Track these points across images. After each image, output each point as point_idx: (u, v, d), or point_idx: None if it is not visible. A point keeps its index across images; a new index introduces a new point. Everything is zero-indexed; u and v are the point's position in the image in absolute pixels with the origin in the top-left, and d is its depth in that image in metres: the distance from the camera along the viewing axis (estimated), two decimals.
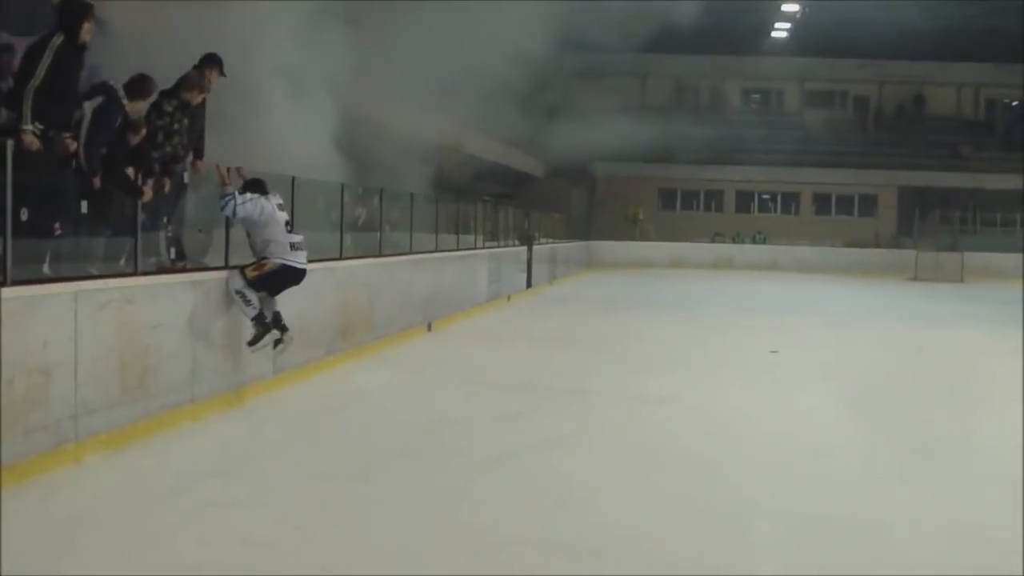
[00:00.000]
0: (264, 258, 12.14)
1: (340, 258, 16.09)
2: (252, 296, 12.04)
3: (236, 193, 11.90)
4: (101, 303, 9.69)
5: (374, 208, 18.90)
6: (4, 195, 8.63)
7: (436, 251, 22.30)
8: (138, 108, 11.17)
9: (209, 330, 11.73)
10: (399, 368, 15.95)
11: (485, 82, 31.36)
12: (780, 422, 12.66)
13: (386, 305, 18.04)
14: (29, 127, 9.49)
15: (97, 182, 10.31)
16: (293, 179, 13.88)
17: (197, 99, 12.16)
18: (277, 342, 12.44)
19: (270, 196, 12.26)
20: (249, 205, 11.92)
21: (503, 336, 21.59)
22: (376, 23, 22.99)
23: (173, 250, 11.76)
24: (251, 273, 12.06)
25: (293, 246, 12.30)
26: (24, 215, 8.89)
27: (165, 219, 11.76)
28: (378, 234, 18.56)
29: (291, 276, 12.42)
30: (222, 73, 12.65)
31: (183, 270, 11.68)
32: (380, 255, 18.35)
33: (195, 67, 12.40)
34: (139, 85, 11.16)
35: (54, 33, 9.92)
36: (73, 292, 9.31)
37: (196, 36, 15.80)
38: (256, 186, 12.25)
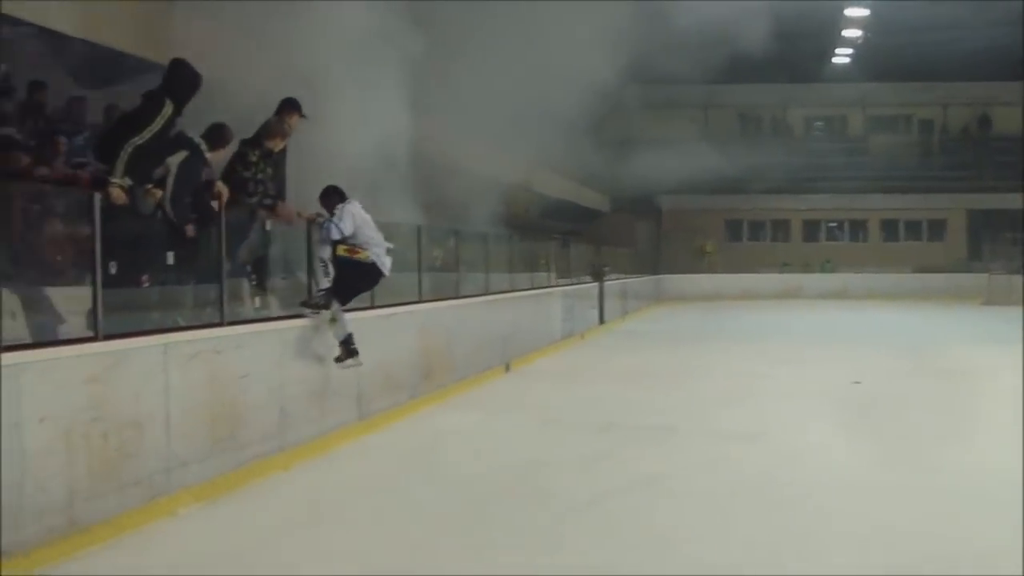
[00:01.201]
0: (360, 248, 12.21)
1: (420, 301, 16.04)
2: (327, 268, 12.02)
3: (329, 217, 12.00)
4: (190, 354, 9.65)
5: (449, 248, 18.86)
6: (93, 248, 8.61)
7: (511, 291, 22.21)
8: (219, 157, 11.15)
9: (295, 378, 11.65)
10: (482, 409, 15.83)
11: (550, 117, 31.23)
12: (879, 458, 12.29)
13: (465, 346, 17.98)
14: (118, 181, 9.46)
15: (190, 230, 10.30)
16: None
17: (279, 146, 12.16)
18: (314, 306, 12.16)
19: (351, 201, 12.32)
20: (348, 218, 12.02)
21: (581, 374, 21.38)
22: (441, 59, 22.91)
23: (258, 299, 11.72)
24: (343, 250, 12.08)
25: (388, 251, 12.47)
26: (112, 268, 8.86)
27: (249, 268, 11.71)
28: (455, 275, 18.51)
29: (374, 277, 12.57)
30: (302, 115, 12.64)
31: (268, 319, 11.63)
32: (458, 296, 18.28)
33: (275, 113, 12.39)
34: (218, 134, 11.13)
35: (163, 99, 9.92)
36: (163, 344, 9.27)
37: (264, 72, 15.88)
38: (337, 194, 12.34)
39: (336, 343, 12.29)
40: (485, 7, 25.18)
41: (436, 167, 25.35)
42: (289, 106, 12.59)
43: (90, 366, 8.25)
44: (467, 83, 24.73)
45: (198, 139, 10.79)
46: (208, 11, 16.22)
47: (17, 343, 7.74)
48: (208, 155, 10.85)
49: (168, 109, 9.93)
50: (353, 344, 12.33)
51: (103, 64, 16.19)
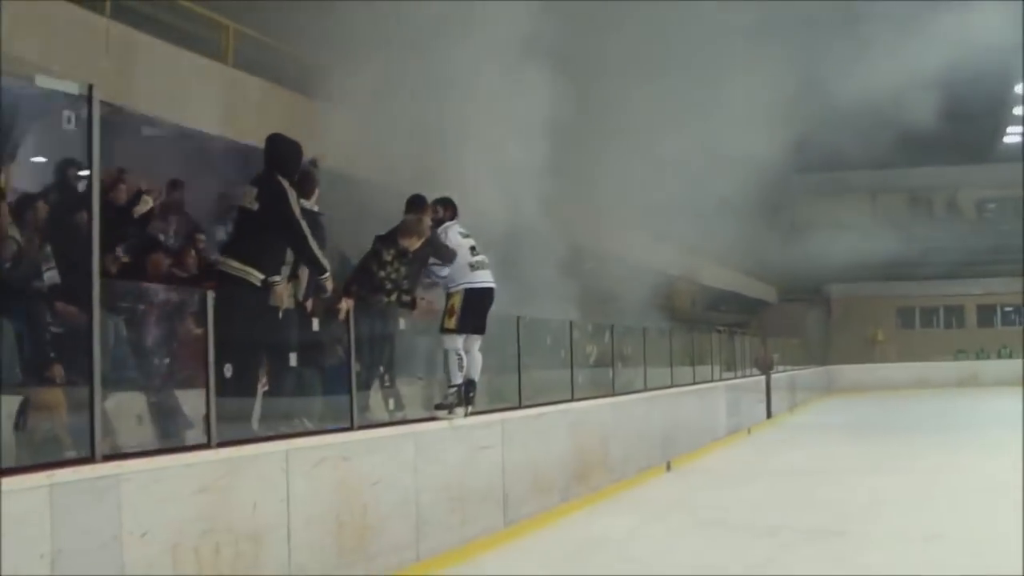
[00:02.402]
0: (448, 297, 11.86)
1: (572, 399, 15.45)
2: (462, 361, 11.63)
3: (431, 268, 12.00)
4: (314, 461, 9.10)
5: (605, 343, 18.24)
6: (206, 350, 8.14)
7: (672, 386, 21.49)
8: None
9: (433, 484, 11.06)
10: (640, 513, 15.05)
11: (714, 205, 30.59)
12: None
13: (622, 445, 17.29)
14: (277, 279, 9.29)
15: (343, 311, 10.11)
16: (518, 319, 13.27)
17: (415, 245, 11.70)
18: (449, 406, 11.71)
19: (452, 224, 12.15)
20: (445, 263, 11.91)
21: (746, 472, 20.52)
22: (598, 149, 22.50)
23: (391, 401, 11.22)
24: (449, 322, 11.69)
25: (472, 266, 11.94)
26: (228, 371, 8.35)
27: (381, 369, 11.22)
28: (610, 371, 17.88)
29: (479, 298, 11.95)
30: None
31: (402, 421, 11.12)
32: (614, 393, 17.63)
33: (407, 211, 12.04)
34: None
35: (277, 181, 9.59)
36: (284, 451, 8.73)
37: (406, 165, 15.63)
38: (421, 202, 12.14)
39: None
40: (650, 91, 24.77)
41: (590, 256, 24.91)
42: (422, 203, 12.16)
43: (201, 475, 7.72)
44: (622, 170, 24.32)
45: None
46: (349, 105, 16.05)
47: (118, 452, 7.23)
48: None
49: (291, 192, 9.55)
50: (472, 392, 11.90)
51: (246, 161, 16.06)
